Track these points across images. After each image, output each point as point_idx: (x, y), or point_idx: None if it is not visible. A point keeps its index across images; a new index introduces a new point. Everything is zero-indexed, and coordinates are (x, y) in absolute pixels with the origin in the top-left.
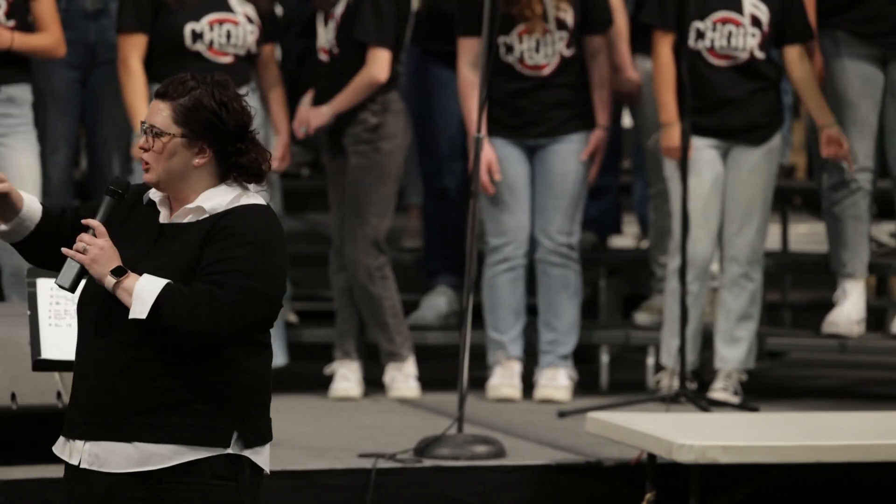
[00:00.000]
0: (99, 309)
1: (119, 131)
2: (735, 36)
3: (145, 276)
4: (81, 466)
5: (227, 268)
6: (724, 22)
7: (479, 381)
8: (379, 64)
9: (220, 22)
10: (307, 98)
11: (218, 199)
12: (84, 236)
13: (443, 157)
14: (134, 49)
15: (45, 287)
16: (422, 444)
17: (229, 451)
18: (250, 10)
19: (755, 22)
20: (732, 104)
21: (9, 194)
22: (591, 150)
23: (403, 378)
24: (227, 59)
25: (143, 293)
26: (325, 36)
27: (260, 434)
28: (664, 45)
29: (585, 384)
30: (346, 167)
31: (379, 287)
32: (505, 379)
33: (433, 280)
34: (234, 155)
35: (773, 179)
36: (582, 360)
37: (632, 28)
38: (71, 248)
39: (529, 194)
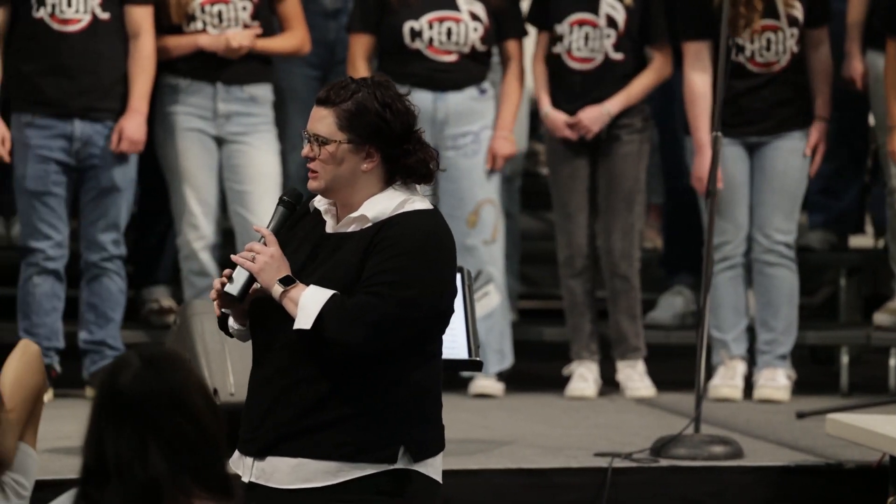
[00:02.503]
0: (268, 323)
1: None
2: None
3: (311, 286)
4: (251, 481)
5: (388, 279)
6: None
7: None
8: (669, 61)
9: (441, 20)
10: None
11: (382, 206)
12: (254, 245)
13: (683, 156)
14: (359, 48)
15: None
16: (658, 443)
17: (396, 466)
18: (478, 8)
19: None
20: None
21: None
22: (814, 144)
23: (639, 377)
24: (451, 58)
25: (307, 304)
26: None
27: (429, 446)
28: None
29: (825, 385)
30: (597, 164)
31: (635, 277)
32: (726, 379)
33: (671, 279)
34: (401, 157)
35: None
36: (821, 361)
37: (869, 24)
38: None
39: (749, 192)
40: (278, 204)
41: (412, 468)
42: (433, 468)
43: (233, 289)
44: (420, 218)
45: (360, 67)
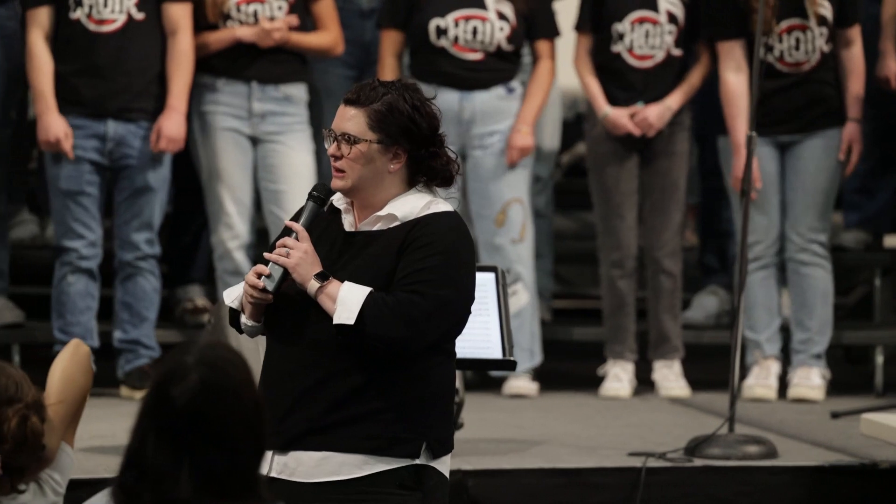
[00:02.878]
0: (292, 318)
1: None
2: None
3: (347, 282)
4: (271, 476)
5: (425, 277)
6: None
7: None
8: (711, 57)
9: (467, 18)
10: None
11: (409, 206)
12: (287, 240)
13: (719, 156)
14: (389, 45)
15: None
16: (692, 443)
17: (417, 461)
18: (506, 8)
19: None
20: None
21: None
22: (847, 144)
23: (674, 377)
24: (476, 56)
25: (348, 299)
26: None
27: (445, 444)
28: None
29: (859, 385)
30: (646, 163)
31: (680, 276)
32: (760, 379)
33: (706, 278)
34: (427, 158)
35: None
36: (856, 361)
37: None
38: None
39: (781, 192)
40: (308, 199)
41: (430, 464)
42: (445, 466)
43: (270, 285)
44: (449, 219)
45: (388, 64)
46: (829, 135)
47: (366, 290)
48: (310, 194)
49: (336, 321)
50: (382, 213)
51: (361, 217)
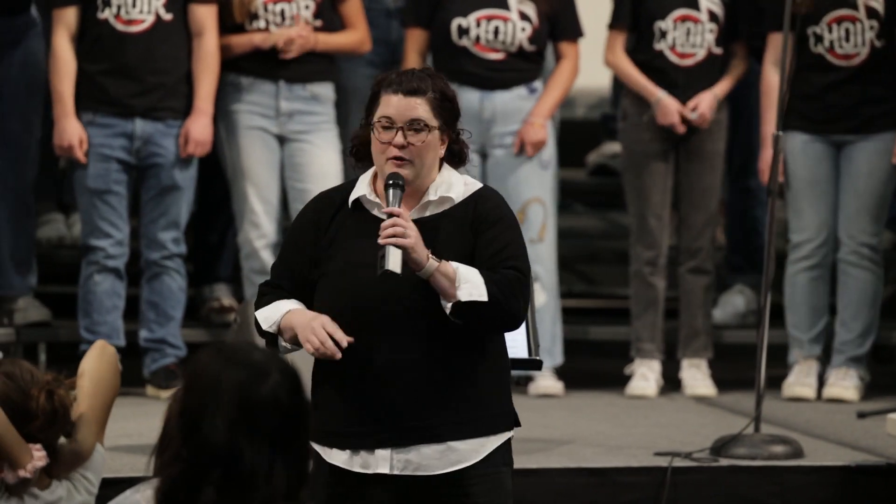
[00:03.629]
0: (364, 312)
1: None
2: None
3: (452, 261)
4: (394, 474)
5: (512, 253)
6: None
7: (776, 380)
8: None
9: (489, 18)
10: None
11: (457, 186)
12: (398, 220)
13: (748, 155)
14: (413, 43)
15: None
16: (718, 443)
17: (512, 432)
18: (528, 8)
19: None
20: None
21: None
22: None
23: (702, 376)
24: (497, 56)
25: (471, 277)
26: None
27: (516, 415)
28: None
29: (886, 385)
30: (682, 161)
31: (713, 272)
32: (800, 377)
33: (733, 277)
34: (455, 142)
35: None
36: (883, 361)
37: None
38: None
39: (834, 192)
40: (390, 187)
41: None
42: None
43: (395, 266)
44: (494, 193)
45: (412, 62)
46: (885, 138)
47: (472, 269)
48: (391, 183)
49: (466, 298)
50: (434, 197)
51: (410, 204)
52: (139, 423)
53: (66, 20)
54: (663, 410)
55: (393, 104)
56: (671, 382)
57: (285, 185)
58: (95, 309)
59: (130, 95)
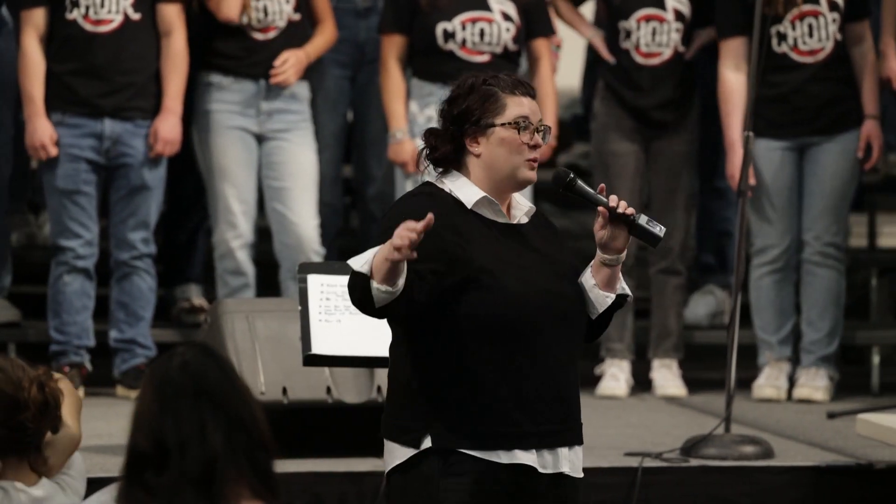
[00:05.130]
0: (531, 300)
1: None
2: None
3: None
4: (564, 472)
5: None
6: None
7: (746, 381)
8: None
9: (474, 21)
10: None
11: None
12: (622, 202)
13: (718, 155)
14: (392, 49)
15: (316, 283)
16: (689, 443)
17: None
18: (509, 8)
19: None
20: None
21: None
22: (864, 143)
23: (672, 376)
24: (483, 58)
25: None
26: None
27: None
28: None
29: (856, 385)
30: (652, 161)
31: (686, 272)
32: (770, 379)
33: (704, 278)
34: None
35: None
36: (852, 361)
37: None
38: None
39: (797, 197)
40: (573, 180)
41: None
42: None
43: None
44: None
45: (392, 68)
46: (848, 137)
47: None
48: (568, 181)
49: (623, 291)
50: (524, 205)
51: (507, 211)
52: (109, 424)
53: (35, 21)
54: (634, 411)
55: (526, 105)
56: (642, 383)
57: (261, 184)
58: (65, 309)
59: (99, 95)
